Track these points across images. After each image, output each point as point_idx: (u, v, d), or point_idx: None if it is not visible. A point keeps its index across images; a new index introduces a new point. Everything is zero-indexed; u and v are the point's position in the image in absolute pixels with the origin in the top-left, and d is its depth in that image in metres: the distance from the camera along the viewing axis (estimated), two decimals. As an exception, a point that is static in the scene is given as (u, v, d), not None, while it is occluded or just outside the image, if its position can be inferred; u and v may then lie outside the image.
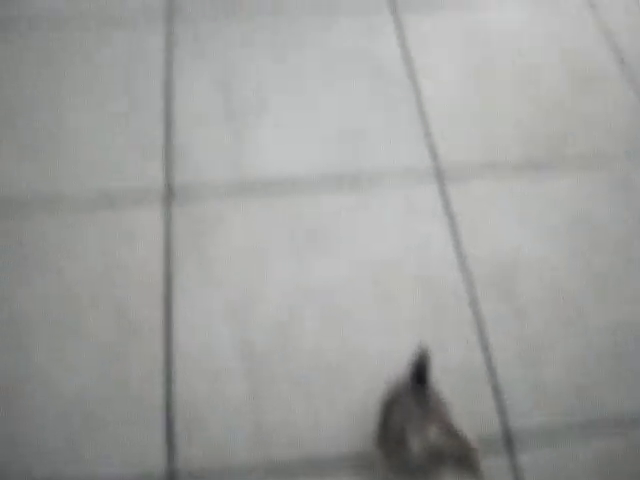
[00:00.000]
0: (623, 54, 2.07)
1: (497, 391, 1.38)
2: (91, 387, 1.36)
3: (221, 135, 1.79)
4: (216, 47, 1.99)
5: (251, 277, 1.54)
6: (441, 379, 1.37)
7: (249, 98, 1.88)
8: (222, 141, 1.78)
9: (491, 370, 1.41)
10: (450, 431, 1.04)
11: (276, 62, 1.97)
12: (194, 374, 1.39)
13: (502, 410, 1.36)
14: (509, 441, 1.31)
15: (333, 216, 1.65)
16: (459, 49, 2.04)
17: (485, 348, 1.44)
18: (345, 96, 1.90)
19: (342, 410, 1.35)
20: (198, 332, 1.45)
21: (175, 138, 1.77)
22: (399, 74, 1.96)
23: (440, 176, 1.73)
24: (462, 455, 0.99)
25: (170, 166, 1.72)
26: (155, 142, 1.76)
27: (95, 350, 1.41)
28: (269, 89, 1.90)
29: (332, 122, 1.84)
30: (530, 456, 1.29)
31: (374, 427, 1.24)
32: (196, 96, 1.87)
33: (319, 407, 1.35)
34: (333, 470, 1.28)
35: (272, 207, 1.66)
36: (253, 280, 1.53)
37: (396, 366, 1.38)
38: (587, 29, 2.13)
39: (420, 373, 1.15)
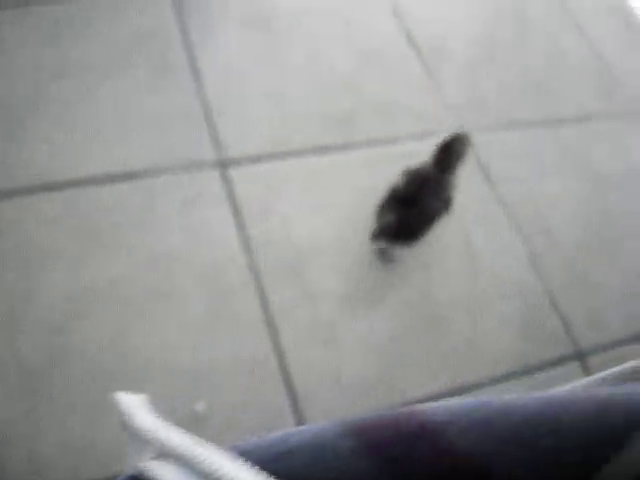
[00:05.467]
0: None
1: (290, 387, 1.37)
2: None
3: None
4: None
5: (25, 281, 1.40)
6: (233, 375, 1.34)
7: (24, 92, 1.68)
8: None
9: (283, 363, 1.40)
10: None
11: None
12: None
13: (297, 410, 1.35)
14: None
15: (114, 212, 1.55)
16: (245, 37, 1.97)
17: (276, 339, 1.43)
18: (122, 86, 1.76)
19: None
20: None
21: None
22: (181, 62, 1.85)
23: (223, 163, 1.67)
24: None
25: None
26: None
27: None
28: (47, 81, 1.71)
29: (110, 115, 1.70)
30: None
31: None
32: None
33: (97, 424, 1.26)
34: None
35: (49, 205, 1.52)
36: (27, 284, 1.40)
37: (187, 366, 1.32)
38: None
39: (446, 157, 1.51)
